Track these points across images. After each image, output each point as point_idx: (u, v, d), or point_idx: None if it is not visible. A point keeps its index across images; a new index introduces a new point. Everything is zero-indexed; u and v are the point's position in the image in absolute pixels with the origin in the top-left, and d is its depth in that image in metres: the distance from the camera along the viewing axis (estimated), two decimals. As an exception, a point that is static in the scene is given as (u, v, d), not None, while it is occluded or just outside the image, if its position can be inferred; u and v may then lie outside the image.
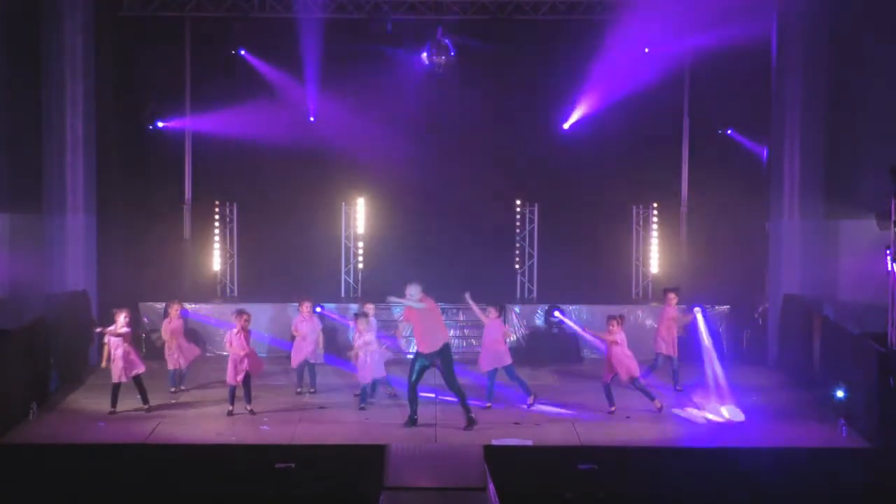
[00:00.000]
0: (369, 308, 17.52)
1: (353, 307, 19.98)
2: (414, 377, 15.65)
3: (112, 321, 16.41)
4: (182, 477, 13.46)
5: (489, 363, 16.83)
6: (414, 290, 15.62)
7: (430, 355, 15.61)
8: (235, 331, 16.22)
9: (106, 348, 16.36)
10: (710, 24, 20.21)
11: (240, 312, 16.45)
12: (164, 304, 20.23)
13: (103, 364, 16.57)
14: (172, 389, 17.44)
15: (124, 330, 16.31)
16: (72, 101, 18.71)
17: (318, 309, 18.83)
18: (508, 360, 16.84)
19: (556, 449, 14.64)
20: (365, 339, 16.70)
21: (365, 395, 16.70)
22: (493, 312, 17.03)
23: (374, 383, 16.94)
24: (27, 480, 13.34)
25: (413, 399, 15.71)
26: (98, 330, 16.87)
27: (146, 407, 16.33)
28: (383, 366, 16.94)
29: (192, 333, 19.34)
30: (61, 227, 18.73)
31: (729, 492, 13.29)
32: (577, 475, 12.72)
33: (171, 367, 17.42)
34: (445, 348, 15.71)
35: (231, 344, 16.23)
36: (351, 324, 17.61)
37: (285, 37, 20.97)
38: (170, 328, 17.36)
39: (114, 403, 16.22)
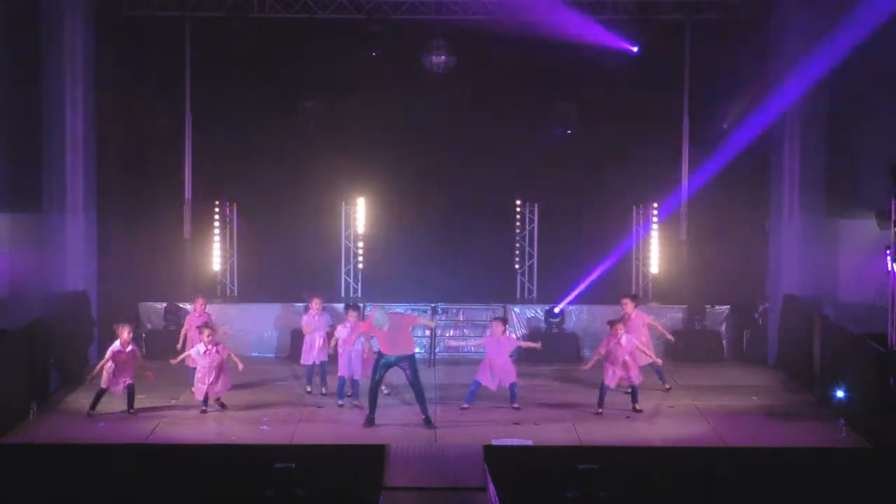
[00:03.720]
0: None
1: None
2: (377, 376, 15.73)
3: (115, 336, 16.40)
4: (182, 477, 13.45)
5: (499, 381, 16.73)
6: (379, 315, 15.63)
7: (394, 357, 15.64)
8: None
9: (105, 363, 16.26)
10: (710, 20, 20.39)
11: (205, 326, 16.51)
12: (164, 305, 20.33)
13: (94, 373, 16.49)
14: (194, 389, 17.36)
15: (130, 348, 16.27)
16: (72, 101, 18.67)
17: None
18: (509, 381, 16.81)
19: (556, 449, 14.63)
20: (348, 332, 16.70)
21: (341, 391, 16.80)
22: (498, 327, 16.92)
23: (353, 381, 16.95)
24: (27, 480, 13.32)
25: (373, 398, 15.75)
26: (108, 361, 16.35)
27: (130, 411, 16.26)
28: (360, 366, 16.85)
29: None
30: (61, 227, 18.71)
31: (729, 492, 13.29)
32: (577, 475, 12.70)
33: (193, 364, 17.22)
34: (412, 357, 15.76)
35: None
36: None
37: (285, 37, 20.98)
38: (195, 324, 17.30)
39: (93, 406, 16.21)
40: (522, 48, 21.24)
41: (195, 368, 17.12)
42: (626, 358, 16.37)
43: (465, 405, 16.60)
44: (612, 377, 16.44)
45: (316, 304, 17.55)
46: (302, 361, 17.63)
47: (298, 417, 16.21)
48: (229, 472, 13.55)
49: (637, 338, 16.97)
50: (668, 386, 17.62)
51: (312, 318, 17.51)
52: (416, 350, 16.90)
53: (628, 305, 17.71)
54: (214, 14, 20.86)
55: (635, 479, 13.35)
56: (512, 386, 16.70)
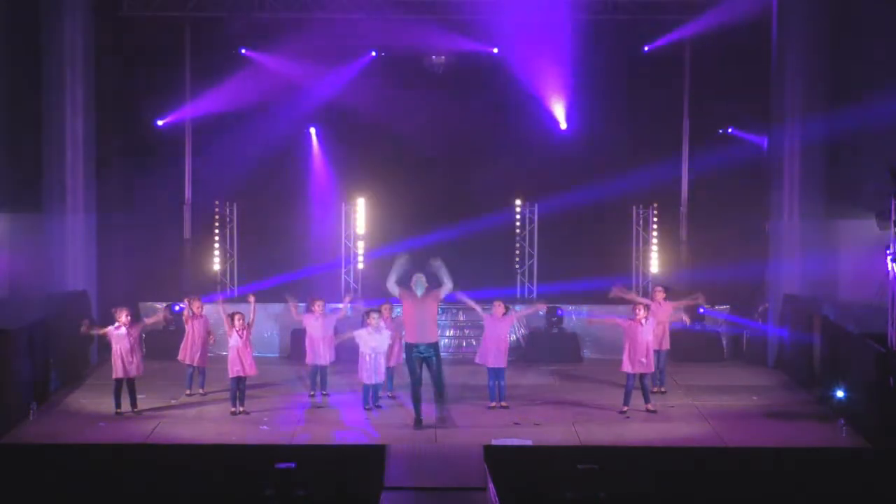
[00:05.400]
0: (386, 308, 17.08)
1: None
2: (416, 374, 15.55)
3: (113, 320, 16.38)
4: (182, 477, 13.45)
5: (494, 361, 16.74)
6: (418, 280, 15.59)
7: (424, 346, 15.48)
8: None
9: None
10: (709, 22, 20.37)
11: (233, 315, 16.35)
12: (164, 304, 20.30)
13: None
14: (188, 392, 17.28)
15: (123, 330, 16.28)
16: (72, 101, 18.70)
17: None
18: (504, 364, 16.80)
19: (556, 449, 14.63)
20: (367, 338, 16.45)
21: (366, 397, 16.60)
22: (500, 308, 16.85)
23: (376, 387, 16.71)
24: (27, 480, 13.33)
25: (418, 398, 15.63)
26: (97, 331, 16.58)
27: (134, 410, 16.23)
28: (383, 371, 16.61)
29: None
30: (61, 227, 18.73)
31: (729, 492, 13.29)
32: (577, 475, 12.71)
33: (188, 361, 17.20)
34: (437, 345, 15.65)
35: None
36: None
37: (285, 36, 20.99)
38: (192, 324, 17.24)
39: (118, 404, 16.20)
40: (522, 48, 21.30)
41: (191, 366, 17.16)
42: (649, 341, 16.28)
43: (492, 404, 16.57)
44: (631, 363, 16.28)
45: (318, 305, 17.35)
46: (307, 361, 17.38)
47: (298, 417, 16.21)
48: (229, 472, 13.55)
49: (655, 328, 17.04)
50: (663, 389, 17.58)
51: (315, 319, 17.23)
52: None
53: (660, 294, 17.67)
54: (215, 14, 20.87)
55: (635, 479, 13.35)
56: (500, 374, 16.68)
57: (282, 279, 21.22)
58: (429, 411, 15.81)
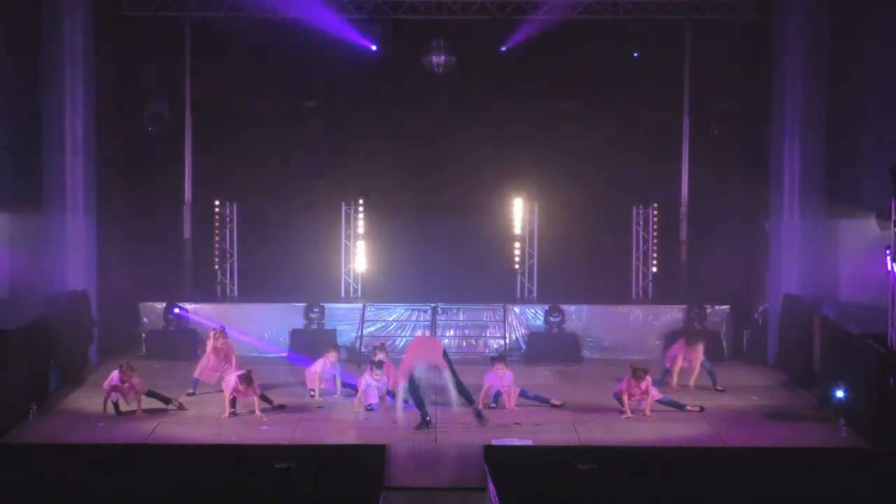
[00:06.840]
0: (380, 353, 17.17)
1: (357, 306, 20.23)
2: (410, 387, 15.57)
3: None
4: (182, 477, 13.44)
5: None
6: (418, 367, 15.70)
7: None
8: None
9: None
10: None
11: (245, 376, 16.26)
12: (164, 305, 20.30)
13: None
14: (190, 391, 17.33)
15: (127, 385, 16.15)
16: (72, 101, 18.69)
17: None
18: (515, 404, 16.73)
19: (556, 449, 14.63)
20: (370, 385, 16.51)
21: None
22: (500, 366, 16.65)
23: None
24: (27, 480, 13.32)
25: (421, 402, 15.63)
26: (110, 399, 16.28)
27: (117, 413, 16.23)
28: (372, 401, 16.57)
29: (193, 333, 19.66)
30: (61, 227, 18.72)
31: (729, 492, 13.28)
32: (577, 475, 12.71)
33: (200, 377, 17.29)
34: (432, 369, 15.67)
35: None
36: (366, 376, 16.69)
37: (285, 37, 20.99)
38: (215, 352, 17.28)
39: (115, 408, 16.23)
40: (522, 48, 21.31)
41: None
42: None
43: (493, 405, 16.54)
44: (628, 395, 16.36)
45: (332, 356, 17.29)
46: (308, 385, 17.40)
47: (298, 417, 16.21)
48: (229, 472, 13.54)
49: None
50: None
51: (324, 368, 17.22)
52: None
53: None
54: (214, 14, 20.87)
55: (635, 479, 13.35)
56: (524, 393, 16.81)
57: (281, 279, 21.39)
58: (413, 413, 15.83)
